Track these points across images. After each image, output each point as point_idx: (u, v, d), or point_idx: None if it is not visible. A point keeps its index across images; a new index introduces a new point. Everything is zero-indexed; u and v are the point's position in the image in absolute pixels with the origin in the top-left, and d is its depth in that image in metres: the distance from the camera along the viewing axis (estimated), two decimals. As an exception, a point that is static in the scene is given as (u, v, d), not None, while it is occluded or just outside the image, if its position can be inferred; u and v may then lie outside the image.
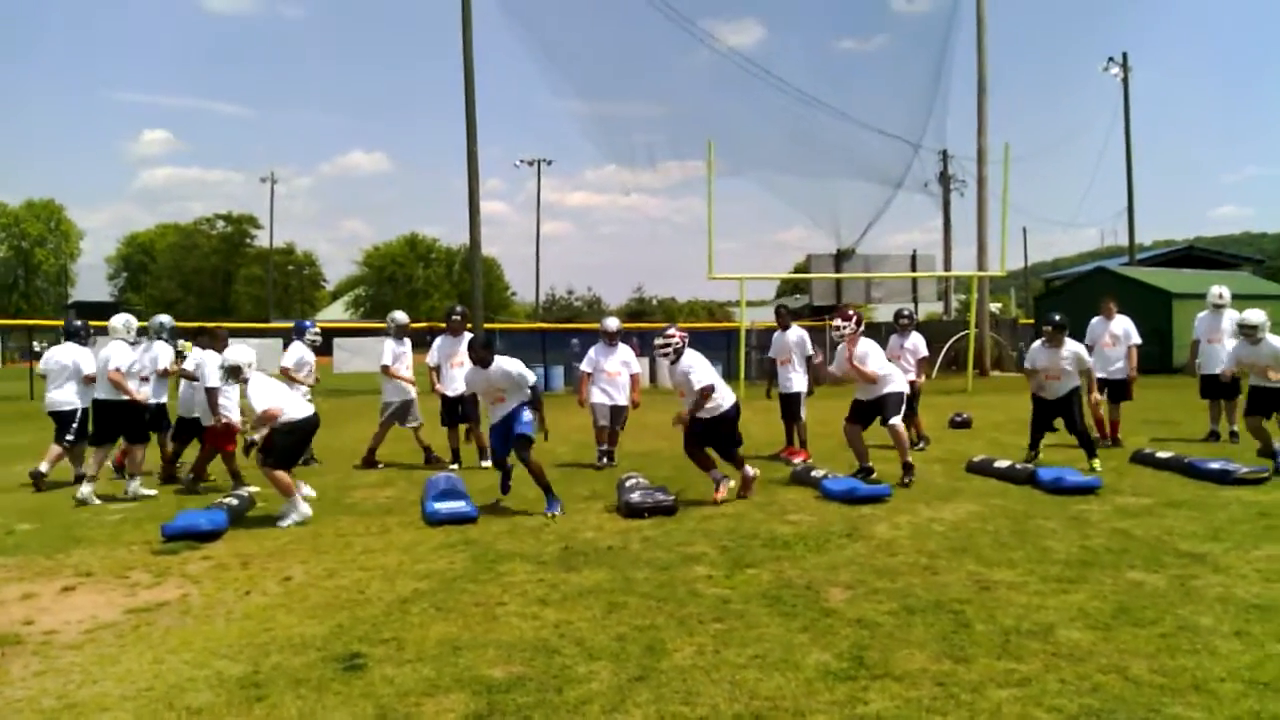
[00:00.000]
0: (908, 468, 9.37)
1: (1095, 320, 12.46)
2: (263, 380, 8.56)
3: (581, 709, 4.01)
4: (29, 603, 5.89)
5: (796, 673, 4.37)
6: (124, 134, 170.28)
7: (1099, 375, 11.81)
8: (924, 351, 12.55)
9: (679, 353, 8.93)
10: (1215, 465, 9.06)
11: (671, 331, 9.06)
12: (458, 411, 11.46)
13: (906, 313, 13.00)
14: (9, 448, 14.61)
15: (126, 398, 9.70)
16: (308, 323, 12.85)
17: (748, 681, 4.27)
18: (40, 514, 8.81)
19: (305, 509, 8.22)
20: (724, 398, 8.95)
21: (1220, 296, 12.64)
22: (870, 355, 9.62)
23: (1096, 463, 9.73)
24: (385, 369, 11.86)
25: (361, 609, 5.58)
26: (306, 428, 8.70)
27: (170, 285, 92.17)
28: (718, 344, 31.21)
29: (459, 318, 11.85)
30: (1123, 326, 12.43)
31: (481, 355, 8.59)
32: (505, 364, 8.54)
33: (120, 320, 10.29)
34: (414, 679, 4.41)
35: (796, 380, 11.70)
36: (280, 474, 8.18)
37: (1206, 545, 6.57)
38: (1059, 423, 10.41)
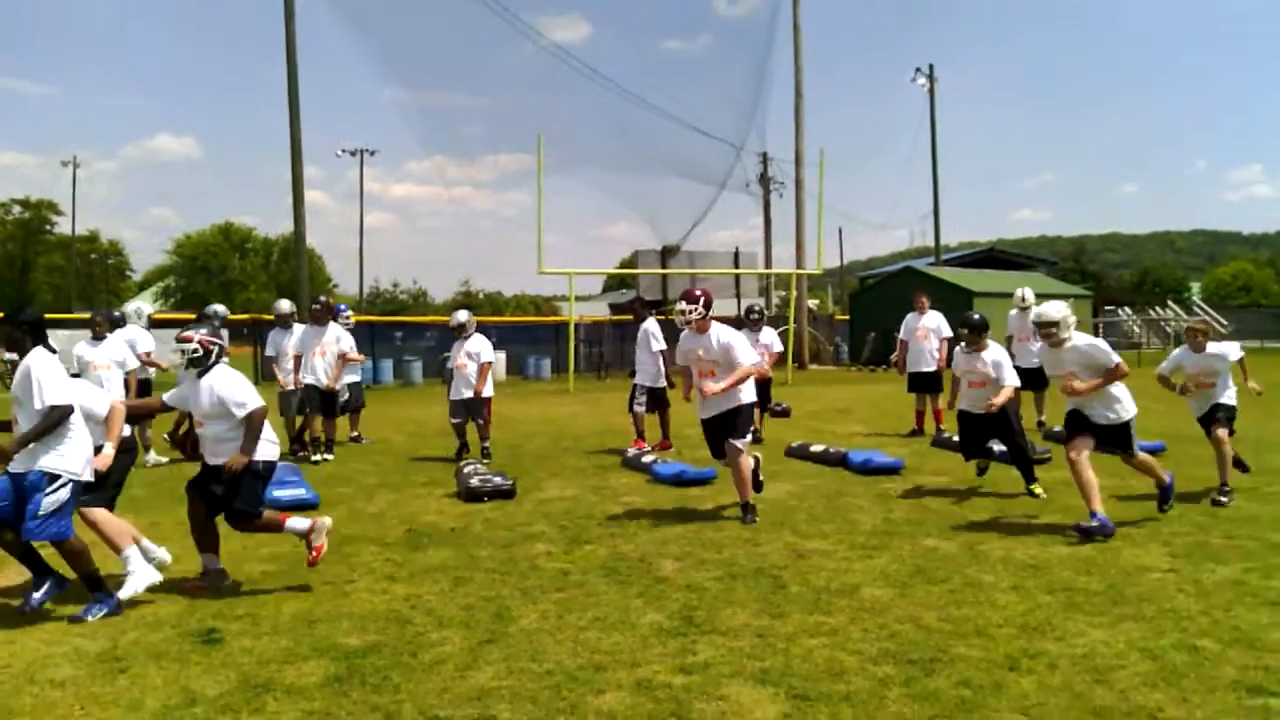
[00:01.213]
0: (747, 508, 7.56)
1: (909, 315, 13.19)
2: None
3: (437, 668, 4.34)
4: None
5: (632, 631, 4.81)
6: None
7: (911, 370, 12.70)
8: (779, 346, 13.23)
9: (707, 320, 7.56)
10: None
11: (699, 293, 7.60)
12: (335, 400, 11.59)
13: (758, 308, 13.47)
14: None
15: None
16: (342, 306, 13.31)
17: (589, 640, 4.69)
18: None
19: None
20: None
21: (1023, 299, 13.40)
22: (735, 345, 7.49)
23: (1037, 487, 8.19)
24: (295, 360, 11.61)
25: (211, 590, 5.73)
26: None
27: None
28: (546, 337, 31.65)
29: (320, 307, 11.81)
30: (935, 320, 13.06)
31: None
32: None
33: (132, 307, 11.86)
34: (273, 649, 4.64)
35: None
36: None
37: (994, 515, 7.37)
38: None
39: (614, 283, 72.78)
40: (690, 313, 7.53)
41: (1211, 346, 8.00)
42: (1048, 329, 7.11)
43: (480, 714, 3.82)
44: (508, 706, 3.89)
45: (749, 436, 7.64)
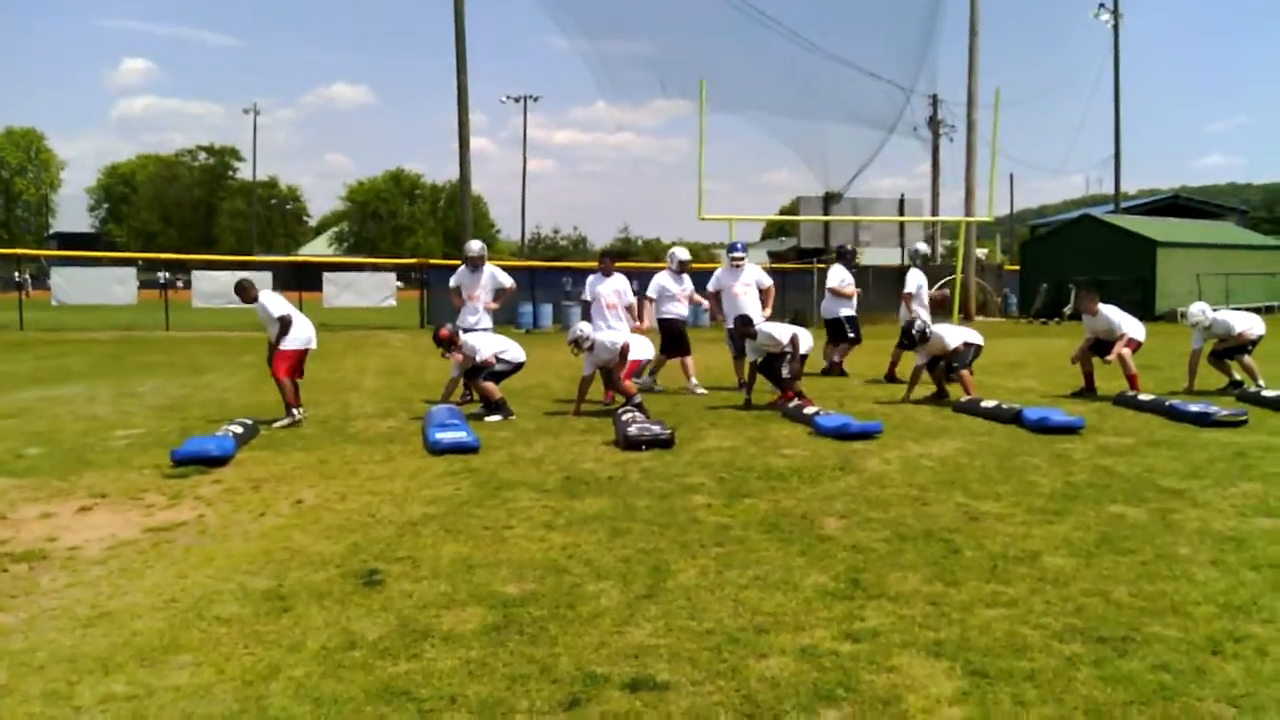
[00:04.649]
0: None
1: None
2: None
3: (594, 622, 4.23)
4: (48, 521, 6.07)
5: (796, 592, 4.60)
6: (104, 62, 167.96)
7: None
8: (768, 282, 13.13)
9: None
10: (1195, 408, 9.31)
11: None
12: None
13: (849, 248, 15.39)
14: (7, 375, 14.71)
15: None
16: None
17: (750, 599, 4.50)
18: (47, 439, 8.96)
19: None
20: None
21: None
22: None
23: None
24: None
25: (373, 530, 5.79)
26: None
27: (151, 217, 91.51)
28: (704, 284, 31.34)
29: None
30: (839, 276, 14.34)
31: None
32: None
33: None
34: (432, 593, 4.62)
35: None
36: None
37: (1186, 482, 6.83)
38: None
39: (773, 230, 71.93)
40: None
41: None
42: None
43: (638, 673, 3.69)
44: (666, 666, 3.75)
45: None
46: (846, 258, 15.03)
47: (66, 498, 6.69)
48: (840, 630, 4.10)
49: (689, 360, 12.17)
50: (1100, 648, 3.89)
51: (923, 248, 15.38)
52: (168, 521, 6.04)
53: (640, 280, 15.03)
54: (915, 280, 13.95)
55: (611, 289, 11.97)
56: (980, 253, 37.75)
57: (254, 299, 9.76)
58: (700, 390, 11.87)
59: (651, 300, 12.57)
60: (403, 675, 3.69)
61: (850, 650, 3.88)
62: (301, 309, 10.29)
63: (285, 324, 9.58)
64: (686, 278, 12.77)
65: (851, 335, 14.23)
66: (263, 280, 28.51)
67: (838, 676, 3.64)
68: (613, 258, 12.74)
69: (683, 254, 12.91)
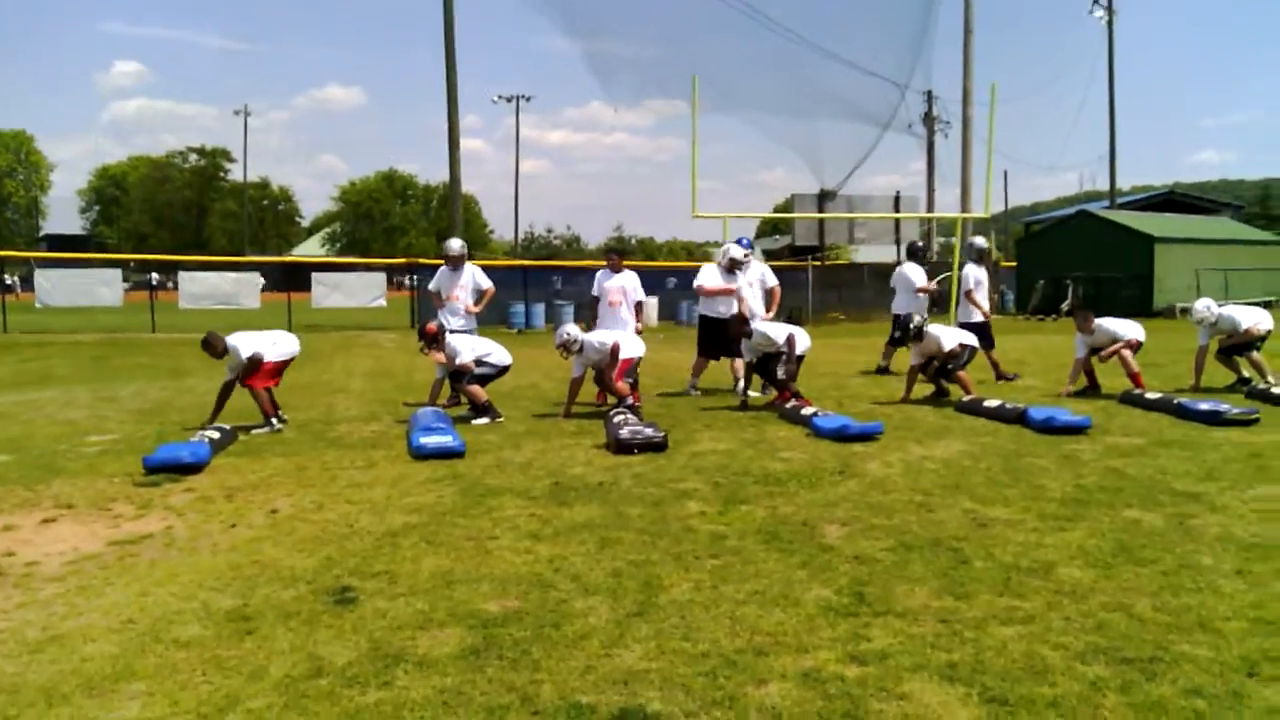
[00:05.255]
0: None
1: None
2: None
3: (580, 644, 3.93)
4: (9, 534, 5.75)
5: (797, 608, 4.30)
6: (96, 65, 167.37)
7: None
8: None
9: None
10: (1205, 406, 9.03)
11: None
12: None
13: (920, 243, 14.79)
14: (-17, 379, 14.38)
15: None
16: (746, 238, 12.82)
17: (748, 617, 4.21)
18: (17, 445, 8.64)
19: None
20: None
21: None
22: None
23: None
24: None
25: (350, 542, 5.48)
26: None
27: (143, 219, 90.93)
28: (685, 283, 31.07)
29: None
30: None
31: None
32: None
33: None
34: (407, 612, 4.32)
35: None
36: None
37: (1201, 485, 6.54)
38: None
39: (767, 228, 71.60)
40: None
41: None
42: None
43: (627, 702, 3.39)
44: (658, 694, 3.45)
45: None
46: (917, 255, 14.38)
47: (31, 508, 6.37)
48: (845, 651, 3.81)
49: (739, 363, 11.09)
50: (1126, 670, 3.59)
51: (980, 241, 14.26)
52: (134, 534, 5.73)
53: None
54: (973, 277, 13.36)
55: (618, 286, 11.60)
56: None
57: (223, 352, 9.16)
58: (750, 394, 10.98)
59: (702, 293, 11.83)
60: (371, 707, 3.39)
61: (857, 674, 3.58)
62: (290, 310, 9.96)
63: (255, 362, 9.13)
64: (766, 271, 12.20)
65: (898, 335, 13.44)
66: (252, 281, 28.46)
67: (844, 706, 3.34)
68: (621, 254, 12.22)
69: (736, 251, 11.77)
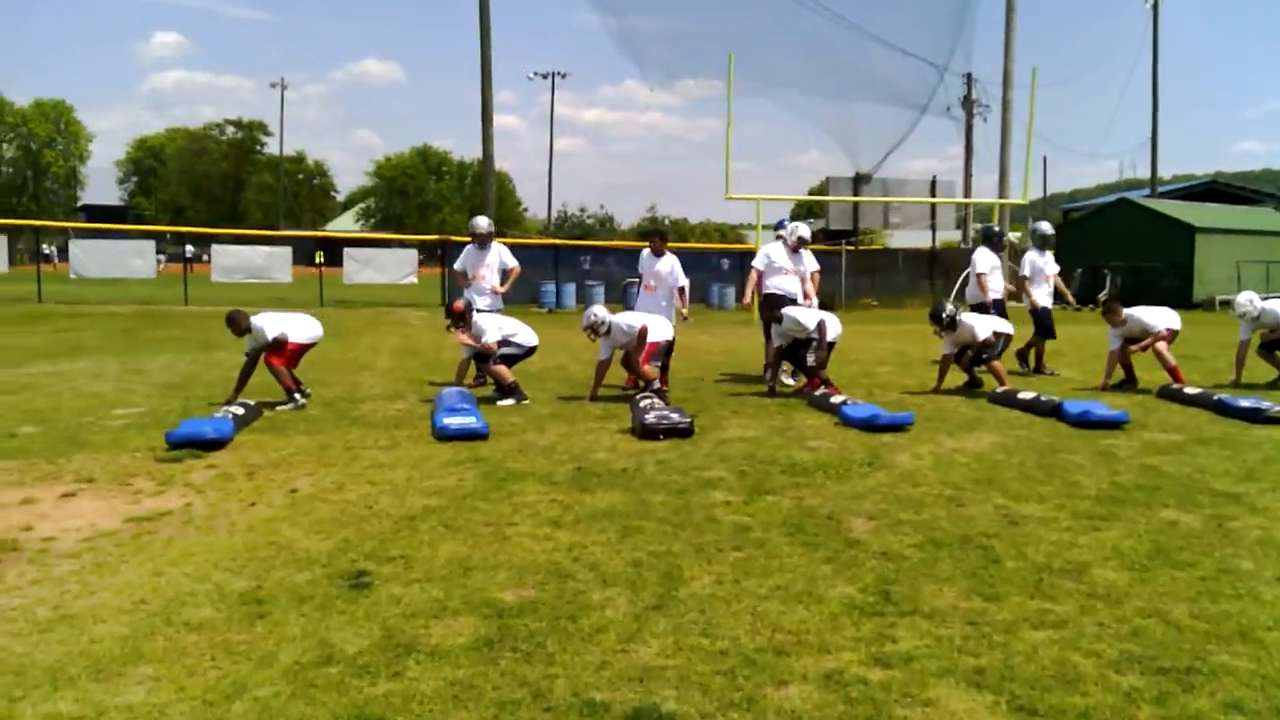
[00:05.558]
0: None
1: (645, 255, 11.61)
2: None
3: (596, 638, 3.83)
4: (28, 508, 5.73)
5: (820, 606, 4.18)
6: (135, 35, 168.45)
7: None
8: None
9: None
10: (1246, 403, 8.81)
11: None
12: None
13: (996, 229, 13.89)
14: (18, 349, 14.46)
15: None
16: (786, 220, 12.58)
17: (770, 614, 4.09)
18: (44, 417, 8.65)
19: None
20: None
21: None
22: None
23: None
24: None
25: (369, 524, 5.41)
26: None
27: (180, 190, 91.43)
28: (731, 265, 30.89)
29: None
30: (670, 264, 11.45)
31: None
32: None
33: None
34: (422, 599, 4.24)
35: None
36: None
37: (1241, 485, 6.35)
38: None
39: (801, 211, 71.12)
40: None
41: None
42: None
43: (641, 700, 3.29)
44: (673, 693, 3.35)
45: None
46: (993, 240, 13.45)
47: (52, 482, 6.36)
48: (869, 653, 3.68)
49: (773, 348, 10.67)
50: (1162, 680, 3.45)
51: (1045, 227, 13.56)
52: (153, 510, 5.69)
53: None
54: (1029, 264, 12.95)
55: (657, 269, 11.36)
56: (1014, 236, 37.02)
57: (245, 330, 9.18)
58: (789, 381, 10.86)
59: (760, 272, 11.38)
60: (380, 698, 3.31)
61: (880, 678, 3.46)
62: (321, 286, 9.90)
63: (279, 343, 9.17)
64: (807, 255, 11.50)
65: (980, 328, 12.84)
66: (283, 256, 28.49)
67: (866, 711, 3.22)
68: (663, 236, 11.79)
69: (804, 230, 11.44)
